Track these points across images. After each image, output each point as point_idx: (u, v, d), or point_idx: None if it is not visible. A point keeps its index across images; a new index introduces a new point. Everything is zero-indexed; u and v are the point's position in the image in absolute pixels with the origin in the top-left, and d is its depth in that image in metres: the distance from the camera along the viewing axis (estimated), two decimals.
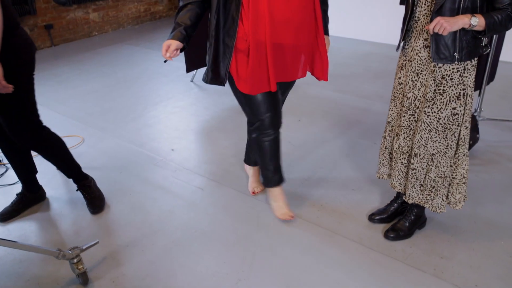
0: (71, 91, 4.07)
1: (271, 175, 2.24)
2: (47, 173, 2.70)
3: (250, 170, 2.53)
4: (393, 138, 2.03)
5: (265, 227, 2.23)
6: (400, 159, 1.98)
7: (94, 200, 2.40)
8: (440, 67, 1.72)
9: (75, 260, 1.86)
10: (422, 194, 1.96)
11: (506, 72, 4.10)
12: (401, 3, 2.94)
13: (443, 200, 1.93)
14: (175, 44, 1.86)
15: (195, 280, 1.92)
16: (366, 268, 1.94)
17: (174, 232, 2.22)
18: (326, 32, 2.11)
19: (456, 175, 1.90)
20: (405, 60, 1.87)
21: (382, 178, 2.16)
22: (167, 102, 3.77)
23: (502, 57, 3.11)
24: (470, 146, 2.75)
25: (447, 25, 1.54)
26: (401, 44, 1.89)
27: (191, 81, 4.21)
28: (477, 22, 1.57)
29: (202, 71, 4.35)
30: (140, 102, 3.80)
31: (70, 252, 1.86)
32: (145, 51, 5.28)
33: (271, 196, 2.30)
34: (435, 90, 1.75)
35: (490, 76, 2.90)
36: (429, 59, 1.74)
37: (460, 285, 1.84)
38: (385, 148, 2.09)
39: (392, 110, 2.00)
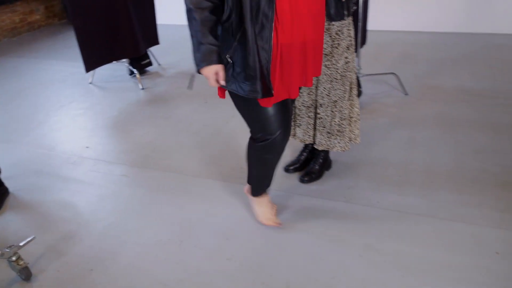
0: None
1: (265, 184, 2.09)
2: None
3: (265, 200, 2.15)
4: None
5: (195, 196, 2.41)
6: (307, 113, 2.26)
7: None
8: (333, 24, 2.02)
9: (14, 258, 1.86)
10: (330, 140, 2.26)
11: (376, 39, 4.71)
12: None
13: (348, 139, 2.28)
14: (222, 69, 1.65)
15: (140, 251, 2.03)
16: (291, 208, 2.24)
17: (108, 217, 2.28)
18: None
19: (353, 114, 2.24)
20: None
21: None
22: (69, 106, 3.71)
23: (370, 27, 3.62)
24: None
25: None
26: None
27: (90, 83, 4.17)
28: None
29: (101, 71, 4.33)
30: (41, 110, 3.68)
31: (8, 250, 1.86)
32: (33, 61, 5.04)
33: (257, 202, 2.14)
34: (332, 44, 2.04)
35: (362, 40, 3.39)
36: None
37: (365, 204, 2.21)
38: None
39: None
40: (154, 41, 4.18)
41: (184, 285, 1.83)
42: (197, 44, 1.63)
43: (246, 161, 2.02)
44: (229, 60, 1.64)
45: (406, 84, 3.56)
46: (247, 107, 1.79)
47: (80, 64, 4.57)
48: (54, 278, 1.92)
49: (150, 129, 3.20)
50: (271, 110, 1.73)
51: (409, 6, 5.00)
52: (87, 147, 3.01)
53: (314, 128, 2.30)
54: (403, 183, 2.37)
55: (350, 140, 2.30)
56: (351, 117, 2.25)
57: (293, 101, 2.12)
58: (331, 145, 2.27)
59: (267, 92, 1.62)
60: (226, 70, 1.67)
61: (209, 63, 1.63)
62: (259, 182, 2.06)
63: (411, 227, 2.05)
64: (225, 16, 1.61)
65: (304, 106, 2.24)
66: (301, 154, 2.54)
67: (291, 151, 2.72)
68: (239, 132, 3.04)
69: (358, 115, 2.27)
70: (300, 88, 2.06)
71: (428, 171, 2.46)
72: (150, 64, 4.29)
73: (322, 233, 2.06)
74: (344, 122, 2.20)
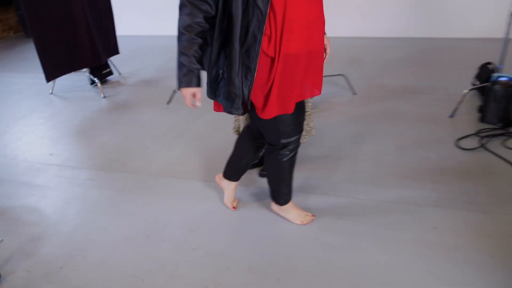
0: None
1: (286, 191, 2.12)
2: None
3: (231, 185, 2.28)
4: None
5: (160, 194, 2.49)
6: None
7: None
8: None
9: None
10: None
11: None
12: None
13: (305, 132, 2.42)
14: (200, 91, 1.70)
15: (109, 247, 2.09)
16: (255, 199, 2.37)
17: (76, 218, 2.32)
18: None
19: (307, 109, 2.40)
20: None
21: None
22: (30, 116, 3.69)
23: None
24: None
25: None
26: None
27: (51, 93, 4.15)
28: None
29: (61, 81, 4.32)
30: (0, 121, 3.64)
31: None
32: None
33: (283, 210, 2.17)
34: None
35: None
36: None
37: (320, 193, 2.37)
38: None
39: None
40: (114, 51, 4.22)
41: (152, 275, 1.91)
42: (180, 65, 1.66)
43: (278, 177, 2.07)
44: (221, 75, 1.70)
45: (355, 84, 3.79)
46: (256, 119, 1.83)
47: (39, 76, 4.55)
48: (24, 278, 1.94)
49: (113, 135, 3.24)
50: (285, 117, 1.79)
51: (355, 13, 5.29)
52: (50, 154, 3.02)
53: None
54: (354, 172, 2.55)
55: (307, 133, 2.45)
56: (306, 111, 2.41)
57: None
58: None
59: (245, 109, 1.70)
60: (217, 84, 1.74)
61: (188, 84, 1.66)
62: (280, 189, 2.10)
63: (360, 210, 2.22)
64: (216, 35, 1.65)
65: None
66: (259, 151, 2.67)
67: None
68: (200, 134, 3.15)
69: (312, 109, 2.43)
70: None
71: (375, 160, 2.66)
72: (110, 73, 4.32)
73: (279, 220, 2.20)
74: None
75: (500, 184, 2.35)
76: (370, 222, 2.13)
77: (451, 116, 3.16)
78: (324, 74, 1.99)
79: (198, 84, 1.68)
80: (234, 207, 2.30)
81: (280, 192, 2.11)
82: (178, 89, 1.72)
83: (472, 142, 2.79)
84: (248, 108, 1.72)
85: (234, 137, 2.98)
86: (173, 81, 4.22)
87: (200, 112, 3.49)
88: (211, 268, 1.93)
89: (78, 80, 4.43)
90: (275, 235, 2.10)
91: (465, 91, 3.29)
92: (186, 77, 1.65)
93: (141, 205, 2.40)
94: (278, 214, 2.22)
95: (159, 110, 3.62)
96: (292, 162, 2.01)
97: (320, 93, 1.88)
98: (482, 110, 3.03)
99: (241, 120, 2.49)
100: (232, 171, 2.24)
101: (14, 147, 3.18)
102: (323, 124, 3.15)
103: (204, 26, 1.59)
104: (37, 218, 2.35)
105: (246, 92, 1.66)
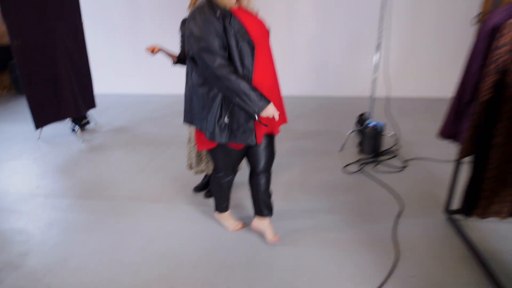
0: None
1: (268, 204, 2.10)
2: None
3: (228, 215, 2.27)
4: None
5: (129, 214, 2.50)
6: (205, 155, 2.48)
7: None
8: None
9: None
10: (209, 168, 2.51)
11: None
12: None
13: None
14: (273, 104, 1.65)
15: (86, 257, 2.08)
16: (201, 215, 2.46)
17: (57, 236, 2.28)
18: None
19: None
20: None
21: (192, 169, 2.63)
22: (20, 157, 3.54)
23: None
24: None
25: None
26: None
27: (38, 139, 4.02)
28: None
29: (47, 129, 4.20)
30: None
31: None
32: None
33: (262, 226, 2.15)
34: None
35: None
36: None
37: (248, 207, 2.52)
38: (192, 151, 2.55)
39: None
40: (92, 104, 4.21)
41: (120, 276, 1.93)
42: (248, 93, 1.56)
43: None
44: (225, 121, 1.66)
45: None
46: (230, 150, 1.85)
47: (28, 125, 4.40)
48: (13, 286, 1.88)
49: (90, 170, 3.21)
50: (260, 146, 1.86)
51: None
52: (37, 187, 2.93)
53: (207, 161, 2.53)
54: (274, 192, 2.71)
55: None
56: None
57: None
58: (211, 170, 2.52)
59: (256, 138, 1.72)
60: (221, 129, 1.69)
61: (266, 104, 1.59)
62: (264, 203, 2.08)
63: (277, 217, 2.37)
64: (214, 90, 1.65)
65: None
66: (204, 178, 2.79)
67: (199, 179, 2.96)
68: (161, 167, 3.21)
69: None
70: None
71: (288, 182, 2.87)
72: (88, 122, 4.28)
73: (220, 228, 2.31)
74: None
75: (371, 195, 2.64)
76: (284, 226, 2.30)
77: (340, 150, 3.43)
78: None
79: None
80: (242, 226, 2.25)
81: (260, 204, 2.09)
82: (258, 113, 1.61)
83: (354, 168, 3.08)
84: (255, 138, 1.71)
85: (184, 170, 3.08)
86: (138, 130, 4.27)
87: (159, 151, 3.56)
88: (166, 266, 1.99)
89: (61, 128, 4.32)
90: (216, 239, 2.20)
91: (349, 132, 3.65)
92: (262, 97, 1.59)
93: (112, 224, 2.40)
94: (219, 221, 2.32)
95: (128, 150, 3.63)
96: (258, 184, 2.00)
97: (278, 132, 1.92)
98: (360, 145, 3.37)
99: (193, 158, 2.55)
100: (220, 203, 2.22)
101: (5, 182, 3.05)
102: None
103: (230, 66, 1.58)
104: (24, 237, 2.28)
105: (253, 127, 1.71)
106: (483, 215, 1.95)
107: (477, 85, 1.78)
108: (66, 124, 4.34)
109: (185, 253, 2.09)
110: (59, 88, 3.67)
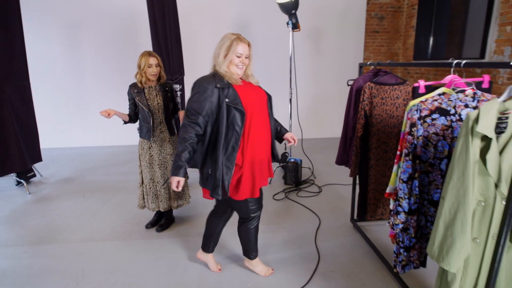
0: None
1: (255, 249, 2.14)
2: None
3: (208, 256, 2.23)
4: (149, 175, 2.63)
5: (82, 254, 2.47)
6: (158, 189, 2.64)
7: None
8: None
9: None
10: (168, 203, 2.71)
11: None
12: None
13: (185, 201, 2.71)
14: (183, 180, 1.70)
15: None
16: (158, 248, 2.54)
17: (14, 282, 2.17)
18: (286, 130, 2.06)
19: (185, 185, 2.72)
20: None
21: (143, 208, 2.75)
22: None
23: None
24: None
25: None
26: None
27: None
28: None
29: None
30: None
31: None
32: None
33: (253, 264, 2.17)
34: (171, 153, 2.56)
35: None
36: None
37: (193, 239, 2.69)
38: (143, 184, 2.70)
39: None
40: (38, 158, 4.04)
41: None
42: (174, 162, 1.70)
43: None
44: (209, 172, 1.75)
45: None
46: (233, 202, 1.89)
47: None
48: None
49: (42, 219, 3.07)
50: (252, 200, 1.88)
51: None
52: None
53: (160, 200, 2.68)
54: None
55: (185, 200, 2.80)
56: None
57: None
58: (173, 205, 2.72)
59: (225, 195, 1.76)
60: (207, 179, 1.78)
61: (176, 174, 1.68)
62: (253, 248, 2.12)
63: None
64: (205, 144, 1.75)
65: (152, 181, 2.63)
66: (156, 214, 2.90)
67: (151, 214, 3.04)
68: (109, 213, 3.20)
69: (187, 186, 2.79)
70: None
71: None
72: (34, 175, 4.07)
73: (172, 255, 2.42)
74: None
75: (296, 215, 3.00)
76: (225, 252, 2.50)
77: (269, 183, 3.79)
78: None
79: (183, 176, 1.69)
80: (219, 269, 2.22)
81: (250, 248, 2.11)
82: (170, 177, 1.73)
83: (281, 195, 3.45)
84: (226, 195, 1.76)
85: (135, 210, 3.14)
86: (85, 178, 4.18)
87: (109, 196, 3.55)
88: None
89: (5, 182, 4.03)
90: (171, 268, 2.30)
91: (275, 167, 4.08)
92: (176, 170, 1.68)
93: (68, 264, 2.36)
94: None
95: (78, 198, 3.54)
96: (257, 228, 2.04)
97: (267, 183, 2.04)
98: (284, 177, 3.79)
99: (149, 198, 2.66)
100: (208, 244, 2.19)
101: None
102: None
103: (194, 140, 1.70)
104: None
105: (226, 183, 1.74)
106: (372, 217, 2.45)
107: (354, 125, 2.35)
108: (9, 178, 4.06)
109: (145, 280, 2.16)
110: (6, 144, 3.52)
